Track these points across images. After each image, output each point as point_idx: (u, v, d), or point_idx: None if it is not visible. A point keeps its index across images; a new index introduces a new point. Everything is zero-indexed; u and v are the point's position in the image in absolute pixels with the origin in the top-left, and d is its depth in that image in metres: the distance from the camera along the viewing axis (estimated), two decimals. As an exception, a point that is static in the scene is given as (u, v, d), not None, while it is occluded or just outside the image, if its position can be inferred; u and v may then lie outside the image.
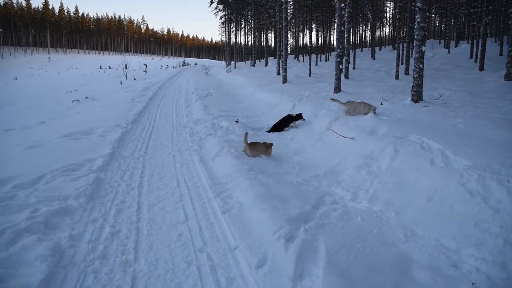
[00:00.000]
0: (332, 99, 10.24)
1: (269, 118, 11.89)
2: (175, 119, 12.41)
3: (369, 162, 6.70)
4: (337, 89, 13.68)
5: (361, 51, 43.51)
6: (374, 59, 32.59)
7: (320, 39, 41.43)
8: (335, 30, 13.29)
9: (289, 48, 28.67)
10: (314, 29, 36.88)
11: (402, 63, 23.64)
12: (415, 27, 9.99)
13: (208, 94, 18.84)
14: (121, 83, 26.57)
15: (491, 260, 3.62)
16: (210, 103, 15.30)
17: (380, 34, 62.62)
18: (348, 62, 19.19)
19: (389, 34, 64.45)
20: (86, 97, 17.42)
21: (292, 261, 3.64)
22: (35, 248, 3.82)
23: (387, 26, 63.37)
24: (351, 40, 29.40)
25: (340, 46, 13.53)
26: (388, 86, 15.54)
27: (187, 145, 8.69)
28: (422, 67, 10.07)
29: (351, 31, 30.53)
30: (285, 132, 9.86)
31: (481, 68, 18.71)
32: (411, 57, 19.95)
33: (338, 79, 13.65)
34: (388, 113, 9.21)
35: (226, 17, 55.20)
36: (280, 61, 26.38)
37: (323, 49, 45.19)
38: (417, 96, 10.21)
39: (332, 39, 57.30)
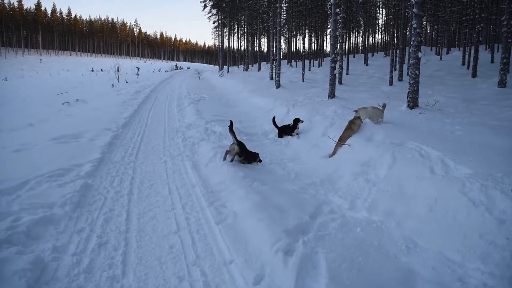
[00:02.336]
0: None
1: (263, 123, 11.70)
2: (167, 123, 12.14)
3: (367, 169, 6.53)
4: (332, 94, 13.54)
5: (354, 57, 43.64)
6: (367, 65, 32.71)
7: (312, 44, 41.42)
8: (330, 35, 13.17)
9: (281, 54, 28.39)
10: (307, 35, 36.91)
11: (395, 69, 23.71)
12: (412, 33, 9.90)
13: (201, 98, 18.59)
14: (112, 86, 26.19)
15: (499, 275, 3.46)
16: (203, 107, 15.05)
17: (372, 40, 62.97)
18: (341, 67, 19.10)
19: (381, 40, 64.95)
20: (77, 100, 17.09)
21: (292, 277, 3.41)
22: (14, 262, 3.55)
23: (379, 32, 63.74)
24: (344, 46, 29.39)
25: (335, 52, 13.41)
26: (382, 92, 15.49)
27: (179, 151, 8.41)
28: (418, 73, 9.97)
29: (344, 37, 30.61)
30: (279, 138, 9.67)
31: (474, 75, 18.76)
32: (404, 63, 19.95)
33: (332, 84, 13.52)
34: (384, 119, 9.07)
35: (220, 21, 55.14)
36: (274, 66, 26.30)
37: (316, 54, 45.26)
38: (413, 103, 10.10)
39: (324, 45, 57.53)
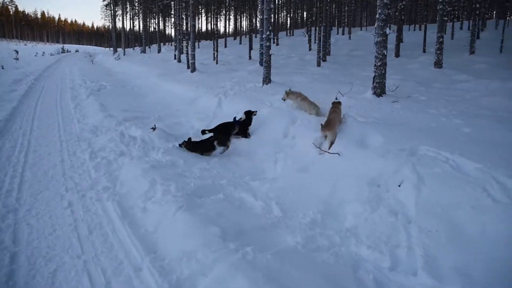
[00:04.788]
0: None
1: (190, 118, 9.11)
2: (63, 126, 8.77)
3: (379, 192, 4.61)
4: (267, 79, 11.36)
5: (256, 37, 42.09)
6: (277, 45, 31.44)
7: (211, 24, 39.01)
8: (264, 8, 10.94)
9: (180, 34, 25.40)
10: (205, 14, 34.49)
11: (310, 49, 22.90)
12: (378, 4, 8.06)
13: (101, 87, 15.12)
14: (-19, 74, 20.97)
15: None
16: (107, 99, 11.78)
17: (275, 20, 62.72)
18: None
19: (277, 20, 64.61)
20: None
21: None
22: None
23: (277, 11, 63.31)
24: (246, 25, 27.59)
25: (270, 28, 11.19)
26: (317, 74, 13.81)
27: (90, 179, 5.35)
28: (385, 53, 8.21)
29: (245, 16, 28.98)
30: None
31: (397, 55, 18.22)
32: (316, 42, 18.53)
33: (268, 67, 11.31)
34: (357, 111, 7.16)
35: (111, -2, 49.67)
36: (183, 46, 23.56)
37: (213, 34, 43.05)
38: (380, 89, 8.36)
39: (227, 25, 55.45)
